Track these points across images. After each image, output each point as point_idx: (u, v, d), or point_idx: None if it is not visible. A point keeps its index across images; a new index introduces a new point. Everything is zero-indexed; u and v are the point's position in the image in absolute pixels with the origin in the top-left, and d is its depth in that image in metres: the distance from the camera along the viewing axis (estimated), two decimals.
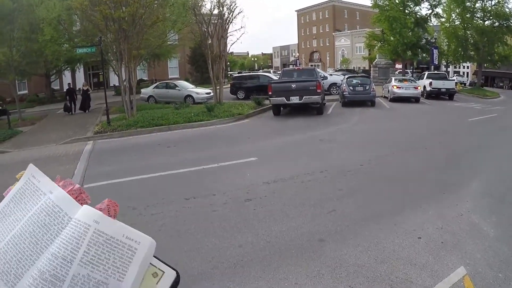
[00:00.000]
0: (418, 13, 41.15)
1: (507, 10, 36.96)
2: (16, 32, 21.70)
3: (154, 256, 0.72)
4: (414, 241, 5.49)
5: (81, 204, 0.73)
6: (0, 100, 29.40)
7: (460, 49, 39.59)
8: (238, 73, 56.47)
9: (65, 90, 30.45)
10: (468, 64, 54.61)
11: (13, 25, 21.38)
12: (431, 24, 42.99)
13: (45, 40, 23.96)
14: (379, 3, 41.08)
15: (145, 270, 0.70)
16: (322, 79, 23.48)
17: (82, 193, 0.77)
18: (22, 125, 21.39)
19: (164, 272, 0.72)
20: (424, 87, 28.93)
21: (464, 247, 5.29)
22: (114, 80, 40.00)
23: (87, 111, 25.51)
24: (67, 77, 40.09)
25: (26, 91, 37.93)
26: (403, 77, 31.65)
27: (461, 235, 5.66)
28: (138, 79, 34.49)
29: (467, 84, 54.65)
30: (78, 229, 0.68)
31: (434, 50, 39.96)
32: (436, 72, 35.06)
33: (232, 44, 39.84)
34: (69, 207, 0.72)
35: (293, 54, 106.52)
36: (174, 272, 0.73)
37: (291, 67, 54.01)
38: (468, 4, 37.73)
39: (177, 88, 28.12)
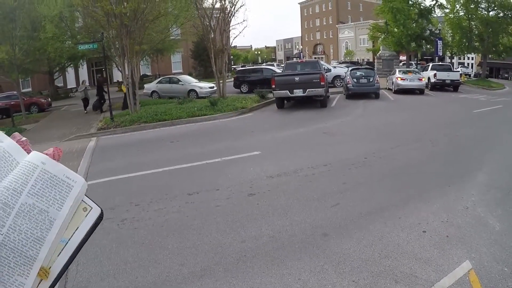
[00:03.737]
0: (422, 4, 40.73)
1: (511, 0, 36.61)
2: (18, 30, 21.68)
3: (86, 195, 0.88)
4: (419, 235, 5.44)
5: (27, 153, 0.89)
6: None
7: (464, 40, 39.25)
8: (242, 66, 56.36)
9: (94, 84, 29.95)
10: (473, 55, 54.13)
11: (15, 23, 21.34)
12: (435, 15, 42.55)
13: (47, 37, 23.99)
14: None
15: (78, 204, 0.86)
16: (326, 72, 23.37)
17: (27, 145, 0.91)
18: (26, 123, 21.42)
19: (92, 208, 0.88)
20: (429, 78, 28.73)
21: (470, 241, 5.23)
22: (117, 76, 39.92)
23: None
24: (70, 74, 40.13)
25: (30, 89, 38.01)
26: (407, 69, 31.46)
27: (466, 228, 5.60)
28: (141, 74, 34.57)
29: (472, 75, 54.32)
30: (27, 168, 0.83)
31: (438, 41, 39.62)
32: (440, 63, 34.75)
33: (235, 37, 39.96)
34: (18, 154, 0.87)
35: (297, 47, 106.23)
36: (99, 209, 0.89)
37: (294, 60, 53.87)
38: None
39: (180, 82, 28.06)
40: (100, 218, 0.89)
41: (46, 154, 0.88)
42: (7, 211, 0.79)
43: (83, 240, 0.87)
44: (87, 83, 26.42)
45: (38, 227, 0.81)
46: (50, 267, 0.83)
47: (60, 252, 0.84)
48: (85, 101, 24.44)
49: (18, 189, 0.80)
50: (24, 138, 0.91)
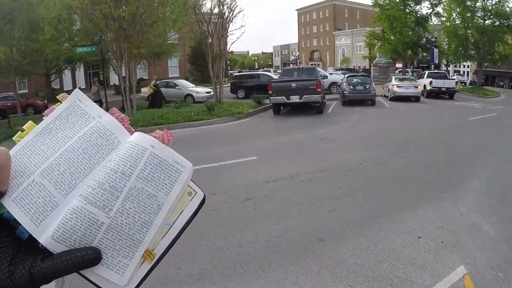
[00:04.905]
0: (419, 12, 41.17)
1: (507, 9, 36.99)
2: (16, 31, 21.66)
3: (191, 180, 0.87)
4: (414, 240, 5.49)
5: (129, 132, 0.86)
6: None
7: (460, 48, 39.61)
8: (238, 72, 56.42)
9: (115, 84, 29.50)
10: (469, 63, 54.65)
11: (13, 24, 21.34)
12: (432, 23, 42.96)
13: (45, 39, 24.00)
14: (380, 2, 41.02)
15: (185, 189, 0.84)
16: (322, 78, 23.47)
17: (127, 122, 0.88)
18: (23, 125, 21.27)
19: (196, 192, 0.86)
20: (424, 86, 28.92)
21: (464, 246, 5.28)
22: (114, 79, 39.96)
23: None
24: (67, 76, 40.03)
25: (26, 91, 37.89)
26: (403, 76, 31.67)
27: (461, 234, 5.65)
28: (138, 78, 34.58)
29: (468, 83, 54.70)
30: (136, 151, 0.81)
31: (434, 49, 39.91)
32: (436, 71, 35.03)
33: (233, 43, 39.78)
34: (119, 133, 0.84)
35: (294, 53, 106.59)
36: (203, 193, 0.86)
37: (291, 66, 54.04)
38: (468, 3, 37.77)
39: (177, 87, 28.12)
40: (202, 202, 0.88)
41: (154, 136, 0.85)
42: (115, 195, 0.78)
43: (186, 223, 0.87)
44: (98, 83, 25.53)
45: (146, 211, 0.81)
46: (154, 249, 0.83)
47: (164, 235, 0.84)
48: (98, 103, 23.69)
49: (127, 173, 0.79)
50: (123, 115, 0.88)
